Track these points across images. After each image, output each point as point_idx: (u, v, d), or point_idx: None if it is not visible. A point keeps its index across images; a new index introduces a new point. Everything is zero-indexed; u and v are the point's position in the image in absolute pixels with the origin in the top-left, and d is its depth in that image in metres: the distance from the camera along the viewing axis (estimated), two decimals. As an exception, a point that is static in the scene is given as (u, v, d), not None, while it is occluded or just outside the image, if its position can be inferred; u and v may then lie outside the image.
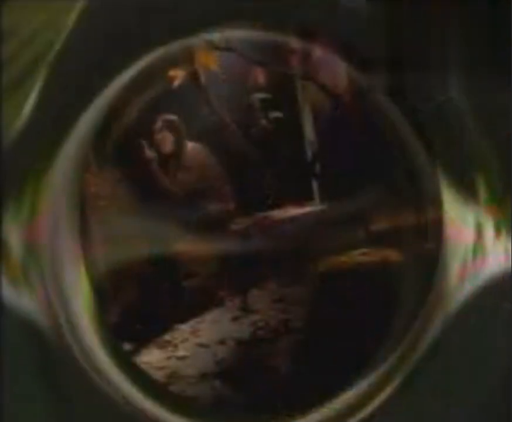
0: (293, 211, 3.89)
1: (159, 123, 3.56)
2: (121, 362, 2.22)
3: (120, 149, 3.48)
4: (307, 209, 3.92)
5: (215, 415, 2.37)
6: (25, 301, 1.70)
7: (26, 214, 1.75)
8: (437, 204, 1.94)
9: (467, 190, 1.78)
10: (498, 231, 1.75)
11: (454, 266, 1.81)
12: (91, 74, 1.81)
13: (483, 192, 1.75)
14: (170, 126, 3.59)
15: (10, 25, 1.72)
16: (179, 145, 3.63)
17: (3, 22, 1.71)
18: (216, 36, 2.80)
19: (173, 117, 3.59)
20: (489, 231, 1.76)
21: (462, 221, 1.80)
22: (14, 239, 1.72)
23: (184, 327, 3.21)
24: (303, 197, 3.93)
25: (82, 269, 2.20)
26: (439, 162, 1.84)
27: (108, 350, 2.10)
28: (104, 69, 1.84)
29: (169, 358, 2.97)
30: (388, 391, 1.86)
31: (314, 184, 3.93)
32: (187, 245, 3.54)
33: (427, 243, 2.29)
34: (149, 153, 3.52)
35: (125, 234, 3.29)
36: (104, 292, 3.27)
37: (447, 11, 1.71)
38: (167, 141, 3.60)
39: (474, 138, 1.72)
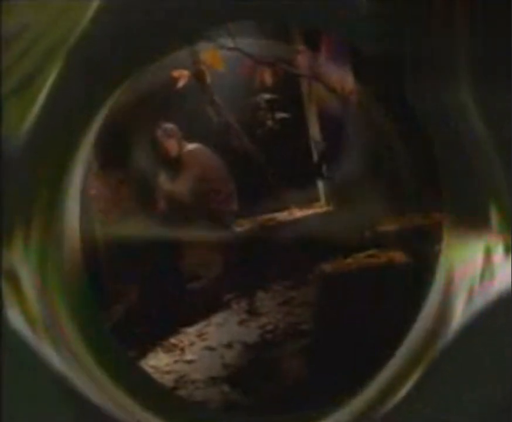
0: (299, 212, 3.88)
1: (160, 132, 3.62)
2: (126, 368, 2.21)
3: (125, 151, 3.49)
4: (312, 211, 3.92)
5: (224, 419, 2.35)
6: (46, 348, 1.70)
7: (36, 248, 1.73)
8: (439, 207, 1.93)
9: (478, 217, 1.77)
10: (506, 251, 1.74)
11: (461, 294, 1.81)
12: (99, 79, 1.79)
13: (494, 218, 1.75)
14: (170, 134, 3.64)
15: (16, 27, 1.70)
16: (180, 148, 3.66)
17: (10, 24, 1.69)
18: (223, 36, 2.79)
19: (170, 125, 3.63)
20: (498, 253, 1.75)
21: (470, 252, 1.81)
22: (25, 275, 1.70)
23: (191, 331, 3.21)
24: (308, 198, 3.93)
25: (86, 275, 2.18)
26: (445, 178, 1.85)
27: (112, 356, 2.08)
28: (112, 73, 1.83)
29: (176, 362, 2.96)
30: (399, 394, 1.85)
31: (320, 186, 3.93)
32: (190, 247, 3.53)
33: (431, 245, 2.28)
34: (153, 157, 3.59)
35: (127, 236, 3.28)
36: (108, 296, 3.27)
37: (449, 12, 1.71)
38: (172, 148, 3.65)
39: (483, 149, 1.72)
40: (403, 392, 1.79)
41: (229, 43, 2.99)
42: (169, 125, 3.62)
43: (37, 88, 1.69)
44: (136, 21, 1.74)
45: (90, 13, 1.67)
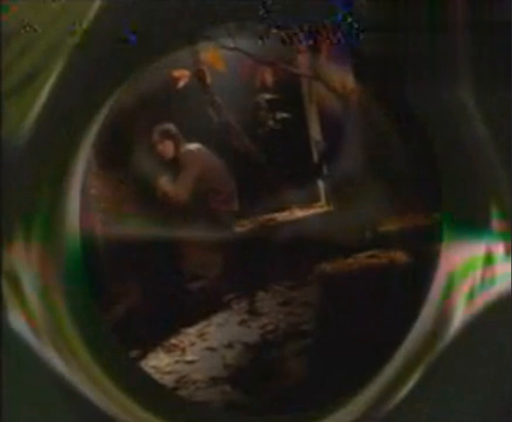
0: (299, 212, 3.88)
1: (155, 136, 3.63)
2: (126, 368, 2.21)
3: (125, 151, 3.48)
4: (313, 211, 3.92)
5: (225, 419, 2.35)
6: (50, 353, 1.69)
7: (38, 238, 1.72)
8: (439, 207, 1.94)
9: (478, 217, 1.77)
10: (506, 251, 1.74)
11: (461, 294, 1.81)
12: (99, 79, 1.80)
13: (494, 218, 1.75)
14: (168, 135, 3.65)
15: (16, 25, 1.70)
16: (178, 149, 3.67)
17: (10, 22, 1.69)
18: (223, 36, 2.78)
19: (166, 126, 3.64)
20: (498, 254, 1.75)
21: (470, 252, 1.81)
22: (26, 276, 1.69)
23: (191, 331, 3.21)
24: (309, 198, 3.93)
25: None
26: (445, 176, 1.85)
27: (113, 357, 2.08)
28: (112, 73, 1.83)
29: (177, 362, 2.96)
30: (399, 394, 1.85)
31: (320, 185, 3.93)
32: (190, 247, 3.53)
33: (432, 245, 2.28)
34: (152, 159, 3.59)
35: (127, 236, 3.28)
36: (108, 296, 3.26)
37: (449, 12, 1.71)
38: (169, 149, 3.66)
39: (483, 148, 1.71)
40: (403, 392, 1.79)
41: (230, 43, 2.99)
42: (165, 126, 3.63)
43: (37, 88, 1.69)
44: (136, 21, 1.74)
45: (90, 13, 1.67)
